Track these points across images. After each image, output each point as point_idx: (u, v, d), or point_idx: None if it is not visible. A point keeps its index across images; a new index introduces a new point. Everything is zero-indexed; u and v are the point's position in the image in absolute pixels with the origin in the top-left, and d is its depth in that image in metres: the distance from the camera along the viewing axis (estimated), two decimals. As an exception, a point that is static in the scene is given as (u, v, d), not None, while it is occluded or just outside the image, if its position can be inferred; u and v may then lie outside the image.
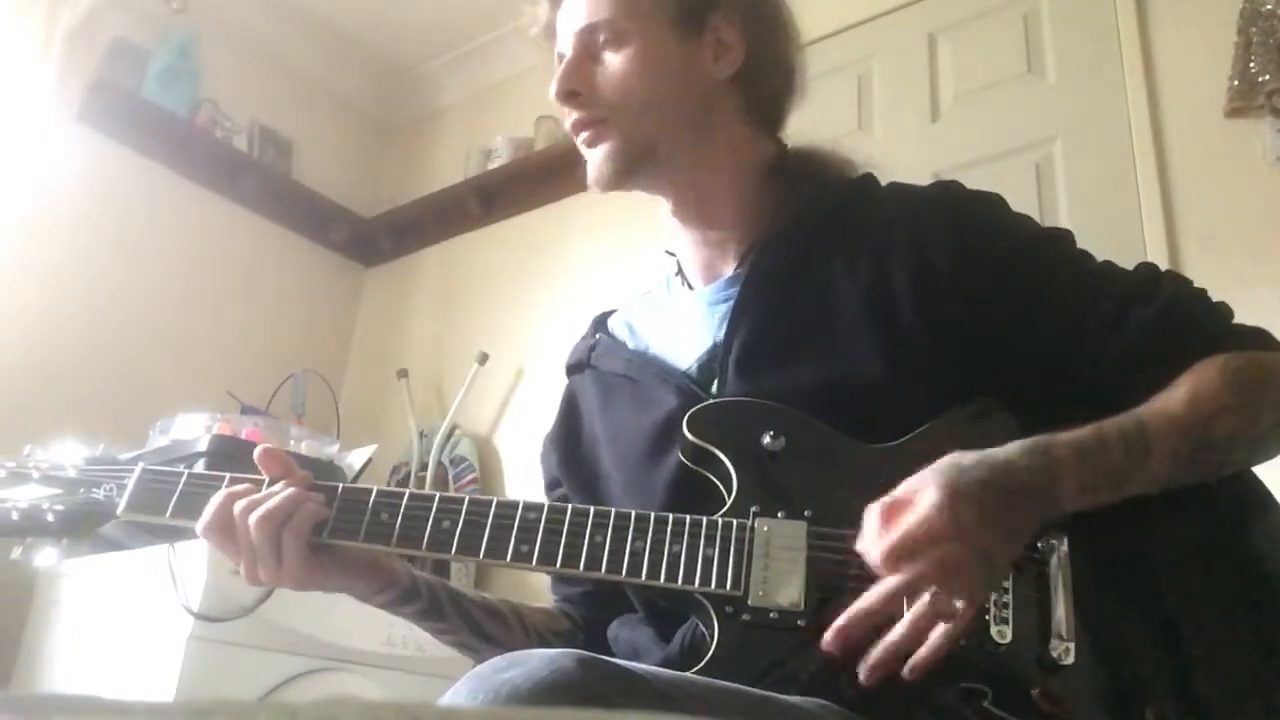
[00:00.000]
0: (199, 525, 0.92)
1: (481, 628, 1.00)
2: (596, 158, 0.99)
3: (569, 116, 1.01)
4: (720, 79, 1.00)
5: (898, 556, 0.72)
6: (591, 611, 1.06)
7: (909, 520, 0.73)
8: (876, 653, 0.74)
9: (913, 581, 0.72)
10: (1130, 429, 0.80)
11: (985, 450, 0.77)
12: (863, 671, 0.74)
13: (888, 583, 0.73)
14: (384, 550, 0.91)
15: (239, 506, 0.91)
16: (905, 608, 0.74)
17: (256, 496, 0.91)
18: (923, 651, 0.73)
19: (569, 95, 0.99)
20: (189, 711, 0.29)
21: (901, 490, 0.75)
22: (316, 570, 0.92)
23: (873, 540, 0.74)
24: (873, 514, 0.75)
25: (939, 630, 0.73)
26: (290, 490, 0.92)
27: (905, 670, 0.74)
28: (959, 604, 0.72)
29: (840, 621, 0.74)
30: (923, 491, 0.74)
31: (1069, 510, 0.78)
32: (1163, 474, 0.80)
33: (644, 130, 0.98)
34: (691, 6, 1.00)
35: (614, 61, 0.98)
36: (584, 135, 1.00)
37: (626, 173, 0.98)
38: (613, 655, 0.82)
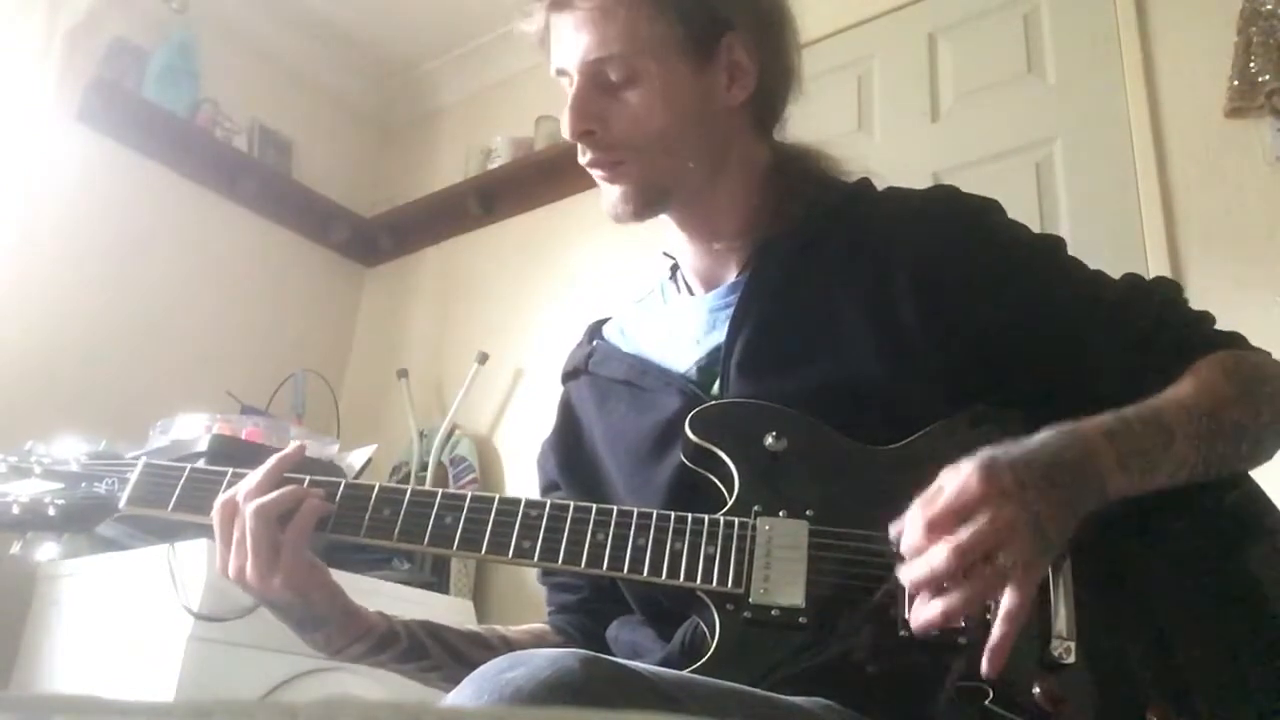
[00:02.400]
0: (217, 500, 0.92)
1: (467, 657, 0.99)
2: (613, 196, 0.98)
3: (582, 155, 0.97)
4: (733, 105, 0.98)
5: (939, 528, 0.71)
6: (590, 619, 1.05)
7: (946, 494, 0.72)
8: (929, 613, 0.72)
9: (963, 547, 0.70)
10: (1148, 415, 0.80)
11: (1012, 442, 0.76)
12: (913, 622, 0.74)
13: (933, 561, 0.71)
14: (388, 546, 0.91)
15: (243, 491, 0.91)
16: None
17: (258, 484, 0.92)
18: (993, 640, 0.72)
19: (584, 135, 0.95)
20: (189, 711, 0.29)
21: (939, 479, 0.75)
22: (310, 578, 0.91)
23: (912, 523, 0.73)
24: (916, 505, 0.74)
25: (1001, 614, 0.72)
26: (293, 486, 0.92)
27: (984, 667, 0.72)
28: (1011, 568, 0.71)
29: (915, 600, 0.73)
30: (959, 470, 0.73)
31: (1116, 492, 0.77)
32: (1188, 460, 0.80)
33: (661, 171, 0.96)
34: (703, 33, 0.96)
35: (628, 100, 0.94)
36: (599, 173, 0.98)
37: (644, 211, 0.98)
38: (613, 656, 0.82)
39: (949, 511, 0.72)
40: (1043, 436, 0.77)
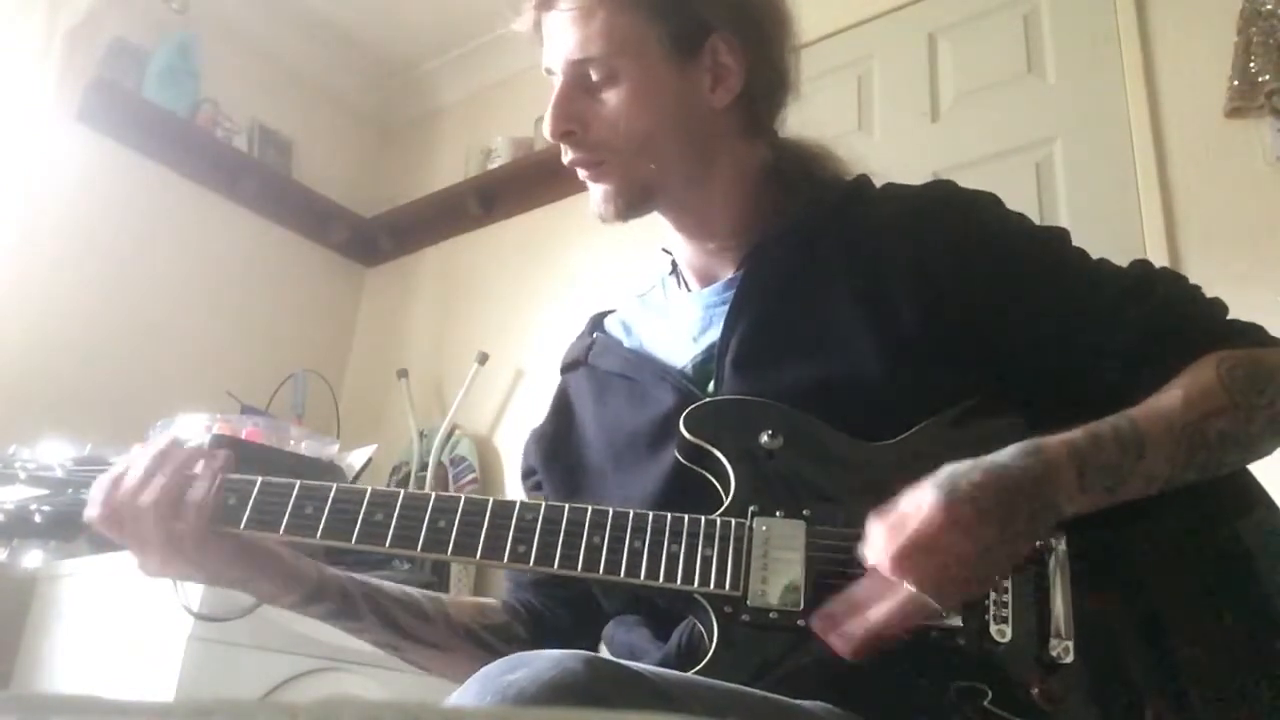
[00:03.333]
0: (100, 504, 0.89)
1: (398, 623, 0.98)
2: (597, 196, 0.98)
3: (564, 156, 0.98)
4: (717, 108, 0.97)
5: (906, 560, 0.73)
6: (542, 597, 1.05)
7: (912, 525, 0.74)
8: (857, 633, 0.75)
9: (925, 584, 0.73)
10: (1124, 428, 0.80)
11: (980, 457, 0.77)
12: (839, 641, 0.75)
13: (892, 588, 0.74)
14: (381, 552, 0.89)
15: (126, 488, 0.89)
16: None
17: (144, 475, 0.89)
18: (869, 622, 0.74)
19: (564, 135, 0.96)
20: (189, 711, 0.29)
21: (902, 503, 0.76)
22: (212, 553, 0.89)
23: (880, 549, 0.75)
24: (877, 525, 0.76)
25: (897, 608, 0.74)
26: (177, 461, 0.90)
27: (836, 644, 0.75)
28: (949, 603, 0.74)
29: (829, 608, 0.76)
30: (922, 499, 0.75)
31: (1072, 512, 0.78)
32: (1161, 474, 0.80)
33: (642, 171, 0.96)
34: (686, 32, 0.95)
35: (607, 100, 0.94)
36: (582, 173, 0.98)
37: (627, 211, 0.98)
38: (608, 656, 0.82)
39: (913, 546, 0.73)
40: (1005, 457, 0.77)
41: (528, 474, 1.09)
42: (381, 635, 0.98)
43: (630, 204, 0.97)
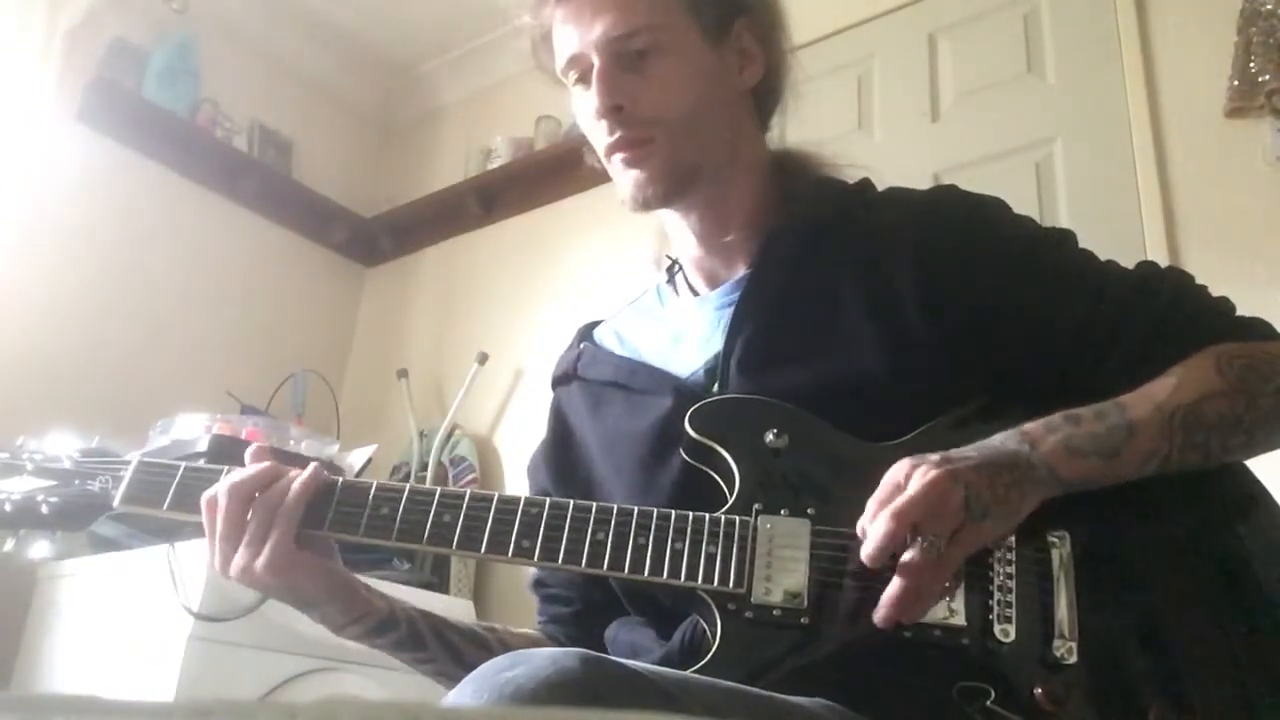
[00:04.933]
0: (204, 495, 0.90)
1: (463, 655, 0.97)
2: (639, 179, 0.95)
3: (611, 135, 0.95)
4: (744, 90, 0.99)
5: (883, 502, 0.76)
6: (581, 631, 1.04)
7: (887, 476, 0.78)
8: (880, 609, 0.76)
9: (898, 510, 0.74)
10: (1105, 407, 0.82)
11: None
12: (876, 618, 0.76)
13: (877, 530, 0.75)
14: (386, 545, 0.90)
15: (229, 483, 0.89)
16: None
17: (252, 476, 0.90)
18: (888, 591, 0.75)
19: (614, 110, 0.94)
20: (189, 711, 0.29)
21: None
22: (296, 562, 0.89)
23: (868, 511, 0.78)
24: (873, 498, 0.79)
25: (901, 563, 0.75)
26: (271, 464, 0.91)
27: (875, 614, 0.76)
28: (945, 542, 0.75)
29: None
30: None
31: (1066, 475, 0.80)
32: (1159, 451, 0.81)
33: (688, 149, 0.95)
34: (719, 14, 0.97)
35: (655, 74, 0.94)
36: (624, 155, 0.95)
37: (668, 196, 0.96)
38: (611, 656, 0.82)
39: (889, 488, 0.77)
40: (987, 438, 0.82)
41: (541, 495, 1.08)
42: (445, 666, 0.98)
43: (672, 188, 0.96)
